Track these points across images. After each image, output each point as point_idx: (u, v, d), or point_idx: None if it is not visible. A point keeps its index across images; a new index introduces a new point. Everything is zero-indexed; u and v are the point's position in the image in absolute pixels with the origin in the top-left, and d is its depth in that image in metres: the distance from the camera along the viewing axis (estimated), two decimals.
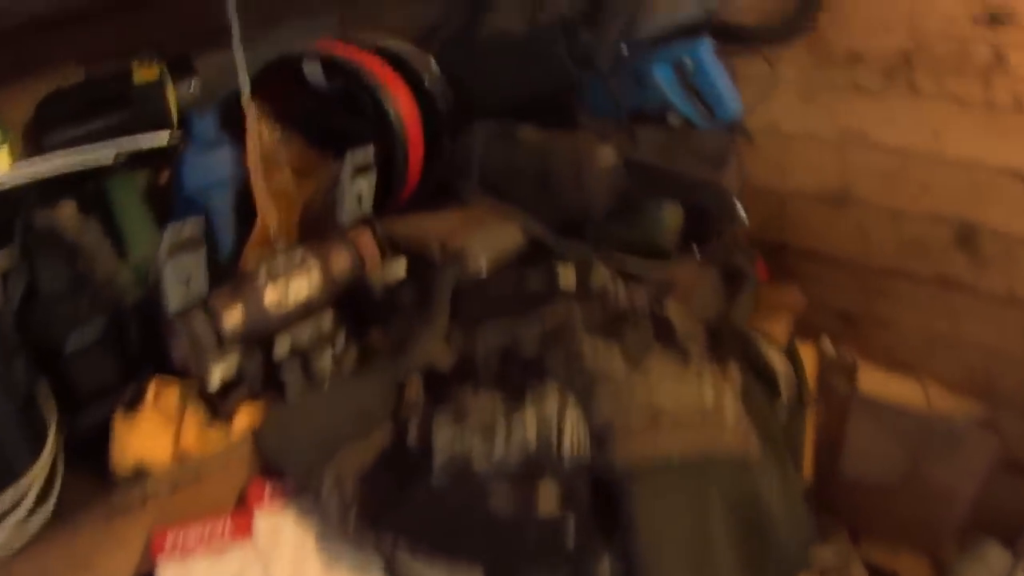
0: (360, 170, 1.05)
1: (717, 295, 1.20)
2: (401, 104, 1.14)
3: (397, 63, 1.17)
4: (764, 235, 1.34)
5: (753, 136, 1.33)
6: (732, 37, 1.35)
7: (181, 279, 0.97)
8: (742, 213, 1.12)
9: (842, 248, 1.42)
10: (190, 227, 0.97)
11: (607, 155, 1.12)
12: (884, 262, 1.40)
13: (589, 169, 1.11)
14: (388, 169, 1.15)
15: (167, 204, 1.19)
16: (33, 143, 1.16)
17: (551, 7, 1.18)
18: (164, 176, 1.21)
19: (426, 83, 1.16)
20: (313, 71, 1.13)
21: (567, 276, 1.06)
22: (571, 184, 1.12)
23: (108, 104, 1.16)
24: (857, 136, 1.38)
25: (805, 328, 1.38)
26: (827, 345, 1.42)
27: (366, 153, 1.06)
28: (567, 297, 1.02)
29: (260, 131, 1.16)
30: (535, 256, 1.12)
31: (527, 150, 1.16)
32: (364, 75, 1.12)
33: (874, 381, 1.42)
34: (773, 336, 1.24)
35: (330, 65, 1.14)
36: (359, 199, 1.06)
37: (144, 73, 1.17)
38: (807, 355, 1.33)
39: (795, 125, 1.40)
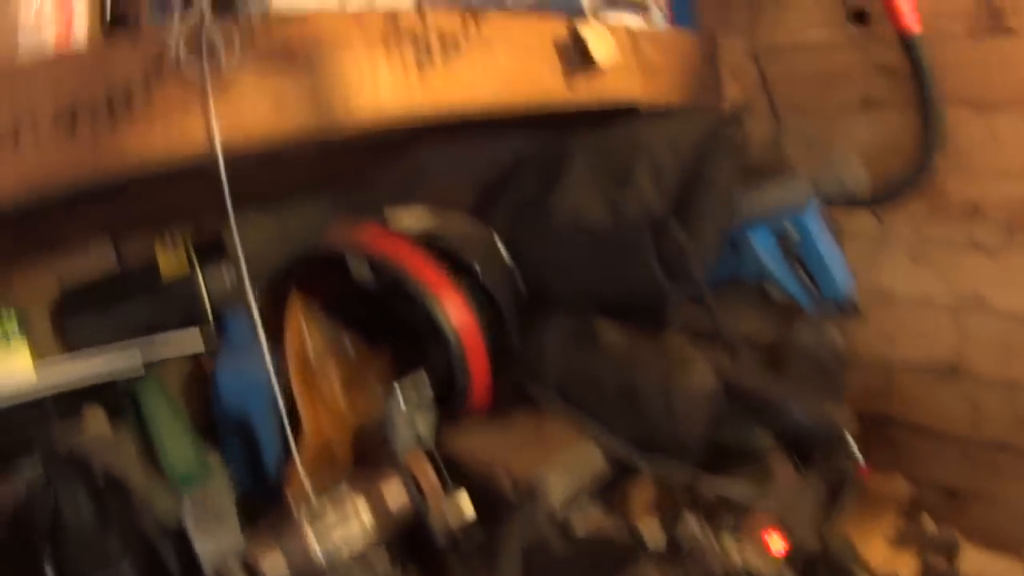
0: (414, 405, 0.92)
1: (817, 507, 1.07)
2: (455, 314, 0.99)
3: (449, 256, 1.01)
4: (866, 407, 1.19)
5: (861, 307, 1.17)
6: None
7: (211, 543, 0.90)
8: (858, 455, 0.97)
9: (950, 422, 1.26)
10: (213, 492, 0.88)
11: (703, 377, 0.96)
12: (994, 436, 1.25)
13: (681, 391, 0.96)
14: (447, 377, 1.02)
15: (207, 399, 1.08)
16: (57, 334, 1.07)
17: (635, 192, 1.01)
18: (206, 363, 1.10)
19: (482, 279, 1.01)
20: (359, 269, 0.99)
21: (651, 525, 0.93)
22: (660, 406, 0.97)
23: (136, 296, 1.05)
24: (973, 300, 1.21)
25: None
26: (928, 524, 1.28)
27: (419, 384, 0.92)
28: (651, 560, 0.89)
29: (302, 331, 1.03)
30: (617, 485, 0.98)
31: (609, 358, 1.01)
32: (412, 283, 0.97)
33: (975, 561, 1.28)
34: (876, 544, 1.11)
35: (375, 263, 0.99)
36: (416, 436, 0.93)
37: (171, 260, 1.05)
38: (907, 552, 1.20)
39: (905, 288, 1.23)
